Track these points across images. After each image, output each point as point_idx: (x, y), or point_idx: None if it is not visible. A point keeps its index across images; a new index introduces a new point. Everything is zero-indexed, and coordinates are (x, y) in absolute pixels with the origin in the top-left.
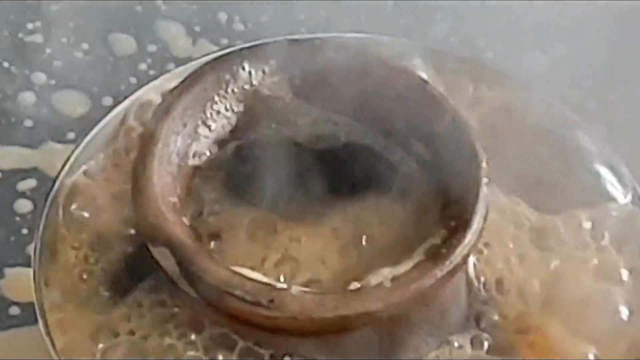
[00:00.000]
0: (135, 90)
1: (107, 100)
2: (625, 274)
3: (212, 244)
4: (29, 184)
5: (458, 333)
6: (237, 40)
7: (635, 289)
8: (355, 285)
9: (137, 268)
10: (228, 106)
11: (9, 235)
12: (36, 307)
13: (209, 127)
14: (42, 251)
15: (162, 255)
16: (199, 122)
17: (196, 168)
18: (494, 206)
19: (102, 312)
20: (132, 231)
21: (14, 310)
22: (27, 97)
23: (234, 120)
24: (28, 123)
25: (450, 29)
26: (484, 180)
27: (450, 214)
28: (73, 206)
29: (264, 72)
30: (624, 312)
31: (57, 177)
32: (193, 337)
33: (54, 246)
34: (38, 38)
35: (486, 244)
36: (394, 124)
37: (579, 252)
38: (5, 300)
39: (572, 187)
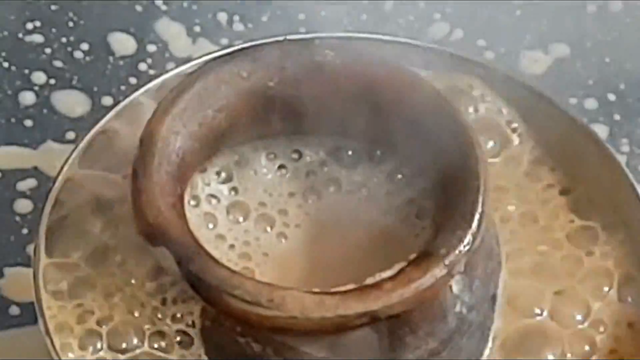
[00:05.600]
0: (135, 90)
1: (107, 100)
2: None
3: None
4: (29, 184)
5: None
6: (237, 40)
7: None
8: (354, 285)
9: None
10: (228, 106)
11: (9, 235)
12: (36, 307)
13: (209, 126)
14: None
15: (162, 255)
16: (199, 122)
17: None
18: None
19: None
20: None
21: (14, 310)
22: (27, 97)
23: (234, 120)
24: (28, 123)
25: (450, 29)
26: (483, 179)
27: (450, 213)
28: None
29: (264, 72)
30: None
31: (56, 177)
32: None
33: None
34: (38, 38)
35: None
36: (392, 125)
37: None
38: (5, 300)
39: None
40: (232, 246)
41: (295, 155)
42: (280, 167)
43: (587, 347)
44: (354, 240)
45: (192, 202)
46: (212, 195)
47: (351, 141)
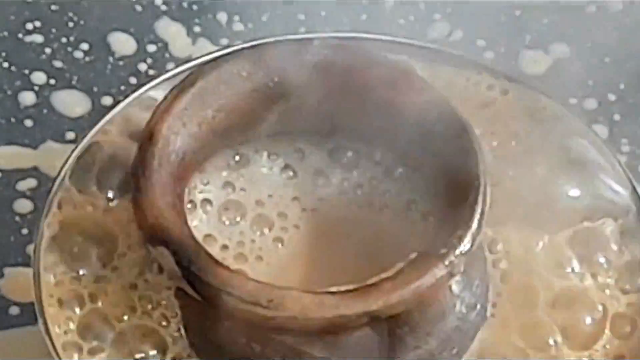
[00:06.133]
0: (135, 89)
1: (107, 100)
2: None
3: None
4: (29, 184)
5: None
6: (237, 40)
7: None
8: (354, 285)
9: None
10: (228, 106)
11: (9, 235)
12: (36, 307)
13: (209, 126)
14: (42, 251)
15: (162, 255)
16: (199, 122)
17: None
18: None
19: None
20: None
21: (14, 310)
22: (27, 97)
23: (234, 120)
24: (28, 123)
25: (450, 29)
26: (483, 179)
27: (450, 213)
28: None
29: (263, 72)
30: None
31: (56, 177)
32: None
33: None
34: (38, 38)
35: None
36: (392, 125)
37: None
38: (5, 300)
39: None
40: (225, 247)
41: (295, 156)
42: (280, 167)
43: (586, 346)
44: (353, 240)
45: (190, 204)
46: (211, 196)
47: (351, 141)
